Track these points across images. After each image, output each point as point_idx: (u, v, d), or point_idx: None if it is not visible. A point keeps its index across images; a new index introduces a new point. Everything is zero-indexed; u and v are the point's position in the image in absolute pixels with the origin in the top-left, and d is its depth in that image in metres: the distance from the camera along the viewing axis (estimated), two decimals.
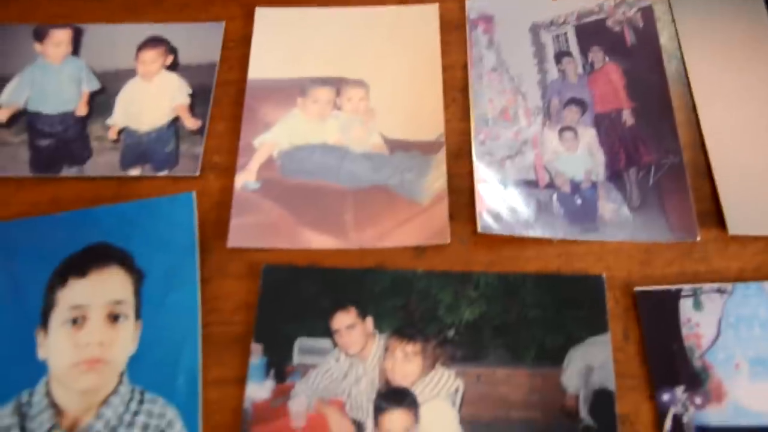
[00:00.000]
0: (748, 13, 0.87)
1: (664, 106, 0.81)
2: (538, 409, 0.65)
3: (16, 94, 0.84)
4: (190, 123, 0.82)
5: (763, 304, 0.68)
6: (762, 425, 0.63)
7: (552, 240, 0.73)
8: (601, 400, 0.65)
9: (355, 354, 0.68)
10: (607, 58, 0.85)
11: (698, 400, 0.64)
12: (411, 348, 0.68)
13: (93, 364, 0.67)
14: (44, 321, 0.69)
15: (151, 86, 0.85)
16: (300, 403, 0.66)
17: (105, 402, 0.65)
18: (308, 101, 0.83)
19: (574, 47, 0.86)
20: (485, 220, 0.74)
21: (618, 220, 0.74)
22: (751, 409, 0.64)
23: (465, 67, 0.85)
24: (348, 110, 0.83)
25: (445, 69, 0.85)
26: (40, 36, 0.88)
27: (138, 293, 0.70)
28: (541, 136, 0.80)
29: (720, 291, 0.69)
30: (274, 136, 0.81)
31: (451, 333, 0.68)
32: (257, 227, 0.75)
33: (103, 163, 0.80)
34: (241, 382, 0.67)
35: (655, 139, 0.79)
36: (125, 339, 0.68)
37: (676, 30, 0.86)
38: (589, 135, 0.80)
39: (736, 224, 0.73)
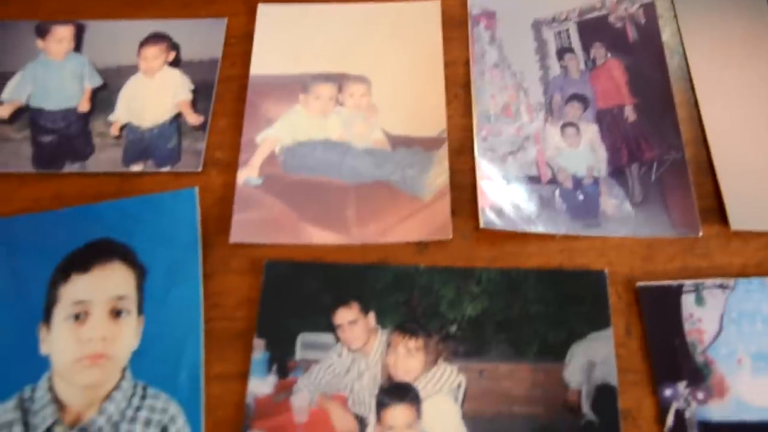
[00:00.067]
0: (750, 9, 0.87)
1: (666, 102, 0.81)
2: (541, 405, 0.65)
3: (19, 91, 0.84)
4: (193, 119, 0.82)
5: (766, 300, 0.68)
6: (764, 420, 0.63)
7: (554, 235, 0.73)
8: (604, 396, 0.65)
9: (358, 349, 0.68)
10: (609, 54, 0.85)
11: (700, 396, 0.64)
12: (413, 343, 0.68)
13: (95, 359, 0.67)
14: (47, 316, 0.69)
15: (154, 82, 0.85)
16: (302, 399, 0.66)
17: (108, 397, 0.65)
18: (310, 97, 0.83)
19: (576, 43, 0.86)
20: (488, 216, 0.74)
21: (620, 215, 0.74)
22: (754, 404, 0.64)
23: (467, 63, 0.85)
24: (350, 106, 0.83)
25: (447, 65, 0.85)
26: (42, 32, 0.88)
27: (140, 289, 0.70)
28: (543, 132, 0.80)
29: (722, 286, 0.69)
30: (276, 132, 0.81)
31: (453, 328, 0.68)
32: (259, 223, 0.75)
33: (105, 159, 0.80)
34: (243, 377, 0.67)
35: (657, 135, 0.79)
36: (128, 334, 0.68)
37: (678, 26, 0.86)
38: (591, 131, 0.80)
39: (739, 220, 0.73)
